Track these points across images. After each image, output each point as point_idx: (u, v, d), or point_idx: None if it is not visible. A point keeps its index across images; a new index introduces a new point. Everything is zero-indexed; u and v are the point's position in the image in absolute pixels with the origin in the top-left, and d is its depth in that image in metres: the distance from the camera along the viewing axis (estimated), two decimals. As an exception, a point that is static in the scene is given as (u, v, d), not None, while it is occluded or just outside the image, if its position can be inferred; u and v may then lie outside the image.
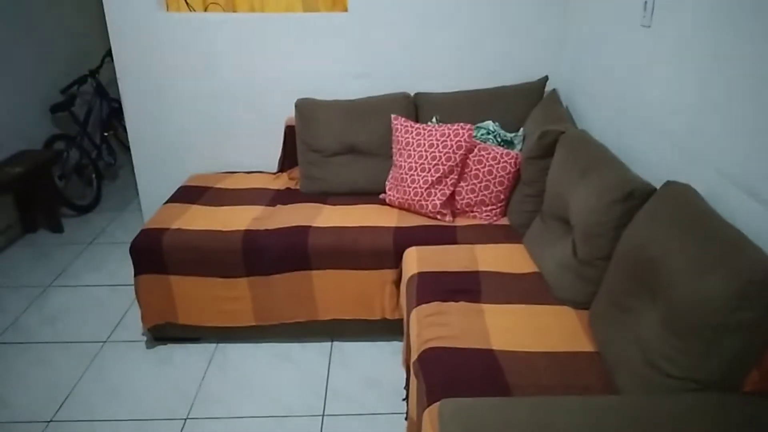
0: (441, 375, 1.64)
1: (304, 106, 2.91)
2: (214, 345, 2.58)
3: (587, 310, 1.88)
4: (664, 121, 2.01)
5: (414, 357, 1.80)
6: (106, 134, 4.41)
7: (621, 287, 1.67)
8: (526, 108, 2.86)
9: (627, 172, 1.88)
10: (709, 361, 1.35)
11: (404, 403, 2.22)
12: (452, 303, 1.97)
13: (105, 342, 2.62)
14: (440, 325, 1.86)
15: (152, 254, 2.43)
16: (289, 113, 3.11)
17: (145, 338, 2.63)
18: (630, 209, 1.77)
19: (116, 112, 4.42)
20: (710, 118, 1.75)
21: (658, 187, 1.74)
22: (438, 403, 1.45)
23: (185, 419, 2.17)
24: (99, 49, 4.36)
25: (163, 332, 2.56)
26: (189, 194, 2.87)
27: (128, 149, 3.39)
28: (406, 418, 2.11)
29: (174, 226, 2.52)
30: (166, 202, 2.81)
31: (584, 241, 1.89)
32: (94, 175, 4.11)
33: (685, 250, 1.45)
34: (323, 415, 2.17)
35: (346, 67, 3.10)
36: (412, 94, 2.96)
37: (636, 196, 1.77)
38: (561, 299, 1.96)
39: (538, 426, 1.26)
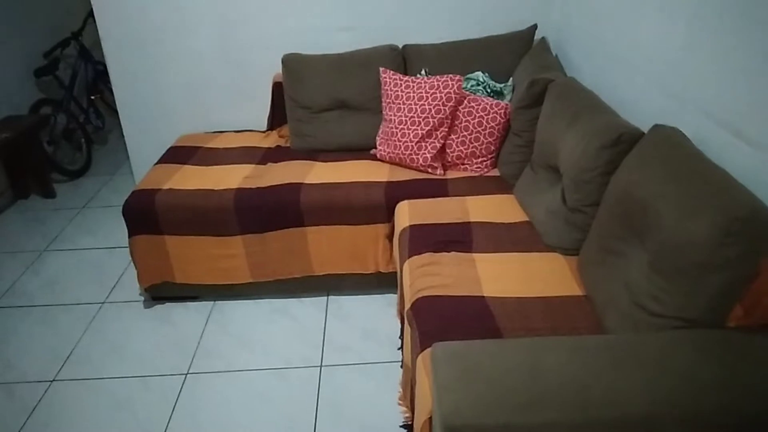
0: (433, 322, 1.67)
1: (291, 62, 2.87)
2: (211, 303, 2.61)
3: (576, 256, 1.91)
4: (653, 66, 2.00)
5: (407, 306, 1.83)
6: (92, 98, 4.35)
7: (610, 231, 1.69)
8: (516, 58, 2.84)
9: (615, 118, 1.89)
10: (695, 298, 1.39)
11: (399, 352, 2.27)
12: (444, 253, 2.00)
13: (103, 303, 2.65)
14: (432, 275, 1.89)
15: (145, 215, 2.44)
16: (277, 70, 3.07)
17: (142, 298, 2.66)
18: (618, 154, 1.78)
19: (102, 75, 4.36)
20: (698, 61, 1.74)
21: (646, 132, 1.75)
22: (430, 347, 1.49)
23: (186, 374, 2.22)
24: (80, 11, 4.26)
25: (161, 292, 2.60)
26: (179, 155, 2.86)
27: (116, 112, 3.36)
28: (401, 366, 2.17)
29: (166, 187, 2.52)
30: (157, 163, 2.80)
31: (573, 188, 1.91)
32: (83, 140, 4.08)
33: (673, 191, 1.47)
34: (321, 366, 2.23)
35: (331, 20, 3.04)
36: (399, 46, 2.92)
37: (624, 141, 1.78)
38: (551, 246, 1.99)
39: (527, 365, 1.30)
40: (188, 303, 2.62)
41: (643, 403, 1.22)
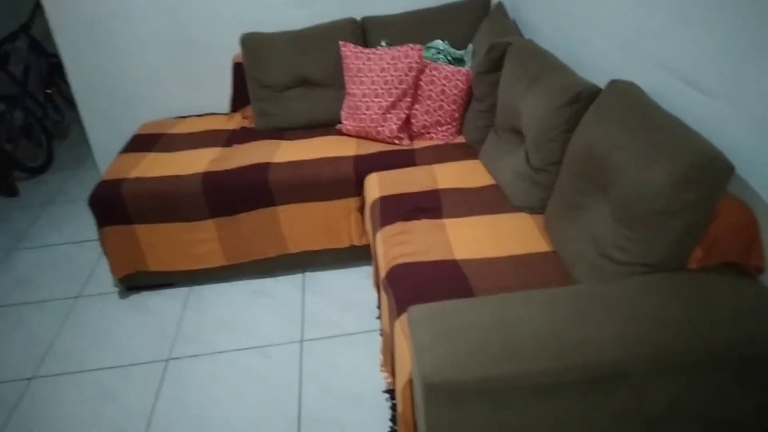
0: (409, 288, 1.70)
1: (250, 41, 2.84)
2: (187, 288, 2.61)
3: (543, 214, 1.95)
4: (608, 23, 2.03)
5: (383, 275, 1.86)
6: (48, 91, 4.24)
7: (573, 187, 1.74)
8: (474, 23, 2.85)
9: (573, 76, 1.92)
10: (656, 244, 1.44)
11: (378, 320, 2.31)
12: (415, 221, 2.02)
13: (78, 297, 2.63)
14: (405, 243, 1.91)
15: (113, 205, 2.41)
16: (236, 50, 3.03)
17: (117, 289, 2.64)
18: (578, 112, 1.82)
19: (56, 67, 4.23)
20: (651, 15, 1.78)
21: (603, 87, 1.79)
22: (407, 312, 1.52)
23: (167, 360, 2.22)
24: (27, 1, 4.11)
25: (135, 281, 2.58)
26: (143, 143, 2.82)
27: (74, 105, 3.28)
28: (380, 334, 2.20)
29: (132, 176, 2.49)
30: (120, 152, 2.75)
31: (536, 148, 1.95)
32: (42, 135, 3.98)
33: (631, 143, 1.51)
34: (302, 341, 2.25)
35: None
36: (358, 18, 2.91)
37: (583, 98, 1.81)
38: (518, 207, 2.03)
39: (500, 319, 1.34)
40: (164, 290, 2.61)
41: (614, 347, 1.27)
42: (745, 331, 1.29)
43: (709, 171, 1.36)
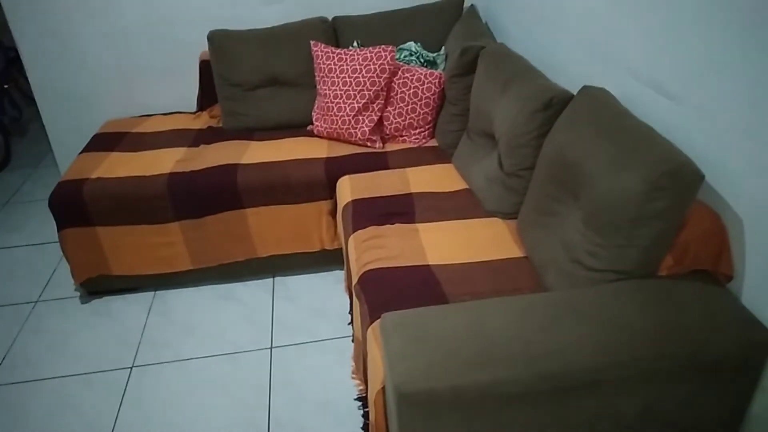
0: (381, 293, 1.68)
1: (217, 38, 2.77)
2: (152, 293, 2.53)
3: (515, 219, 1.95)
4: (579, 28, 2.05)
5: (355, 281, 1.83)
6: (5, 87, 4.08)
7: (545, 192, 1.74)
8: (446, 26, 2.84)
9: (545, 82, 1.92)
10: (627, 251, 1.45)
11: (350, 327, 2.28)
12: (388, 226, 2.00)
13: (37, 302, 2.53)
14: (377, 247, 1.89)
15: (74, 207, 2.32)
16: (203, 48, 2.96)
17: (78, 294, 2.55)
18: (550, 117, 1.82)
19: (14, 62, 4.09)
20: (621, 22, 1.79)
21: (575, 93, 1.79)
22: (380, 318, 1.49)
23: (131, 367, 2.15)
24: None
25: (97, 285, 2.49)
26: (105, 142, 2.73)
27: (33, 101, 3.16)
28: (352, 341, 2.18)
29: (94, 176, 2.40)
30: (82, 152, 2.66)
31: (509, 153, 1.94)
32: (-1, 132, 3.84)
33: (602, 150, 1.52)
34: (272, 348, 2.21)
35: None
36: (329, 18, 2.87)
37: (555, 104, 1.82)
38: (490, 211, 2.03)
39: (473, 327, 1.33)
40: (128, 295, 2.53)
41: (584, 354, 1.27)
42: (713, 338, 1.31)
43: (678, 179, 1.37)
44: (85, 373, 2.14)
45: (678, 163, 1.37)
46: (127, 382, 2.09)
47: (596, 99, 1.68)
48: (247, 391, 2.03)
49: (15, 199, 3.40)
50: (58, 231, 2.37)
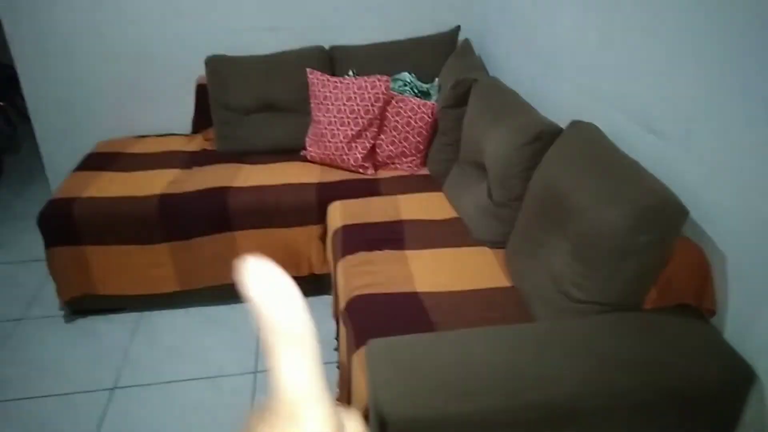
0: (368, 320, 1.68)
1: (215, 63, 2.81)
2: (138, 314, 2.51)
3: (504, 249, 1.97)
4: (570, 64, 2.10)
5: (342, 306, 1.83)
6: (1, 103, 4.09)
7: (533, 223, 1.76)
8: (441, 58, 2.89)
9: (535, 115, 1.96)
10: (612, 283, 1.46)
11: (336, 352, 2.26)
12: (377, 252, 2.01)
13: (20, 320, 2.49)
14: (366, 273, 1.89)
15: (63, 225, 2.32)
16: (200, 71, 2.99)
17: (63, 313, 2.52)
18: (539, 150, 1.85)
19: (10, 79, 4.09)
20: (611, 60, 1.84)
21: (565, 128, 1.83)
22: (365, 345, 1.49)
23: (112, 389, 2.12)
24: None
25: (83, 305, 2.47)
26: (98, 161, 2.74)
27: (28, 118, 3.17)
28: (338, 367, 2.16)
29: (85, 195, 2.40)
30: (74, 170, 2.67)
31: (498, 184, 1.97)
32: (-9, 149, 3.83)
33: (590, 183, 1.55)
34: (256, 372, 2.19)
35: (255, 20, 3.00)
36: (326, 47, 2.92)
37: (544, 138, 1.85)
38: (479, 240, 2.04)
39: (459, 356, 1.33)
40: (113, 315, 2.50)
41: (569, 385, 1.27)
42: (695, 372, 1.32)
43: (664, 214, 1.40)
44: (65, 393, 2.11)
45: (663, 198, 1.39)
46: (108, 404, 2.06)
47: (585, 133, 1.72)
48: (229, 416, 2.00)
49: (4, 216, 3.37)
50: (45, 249, 2.35)
